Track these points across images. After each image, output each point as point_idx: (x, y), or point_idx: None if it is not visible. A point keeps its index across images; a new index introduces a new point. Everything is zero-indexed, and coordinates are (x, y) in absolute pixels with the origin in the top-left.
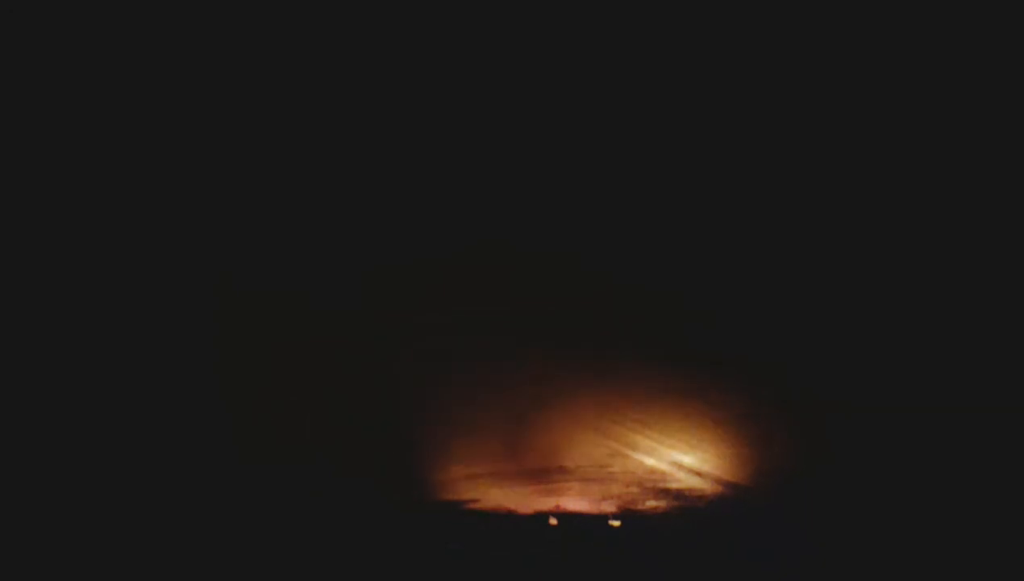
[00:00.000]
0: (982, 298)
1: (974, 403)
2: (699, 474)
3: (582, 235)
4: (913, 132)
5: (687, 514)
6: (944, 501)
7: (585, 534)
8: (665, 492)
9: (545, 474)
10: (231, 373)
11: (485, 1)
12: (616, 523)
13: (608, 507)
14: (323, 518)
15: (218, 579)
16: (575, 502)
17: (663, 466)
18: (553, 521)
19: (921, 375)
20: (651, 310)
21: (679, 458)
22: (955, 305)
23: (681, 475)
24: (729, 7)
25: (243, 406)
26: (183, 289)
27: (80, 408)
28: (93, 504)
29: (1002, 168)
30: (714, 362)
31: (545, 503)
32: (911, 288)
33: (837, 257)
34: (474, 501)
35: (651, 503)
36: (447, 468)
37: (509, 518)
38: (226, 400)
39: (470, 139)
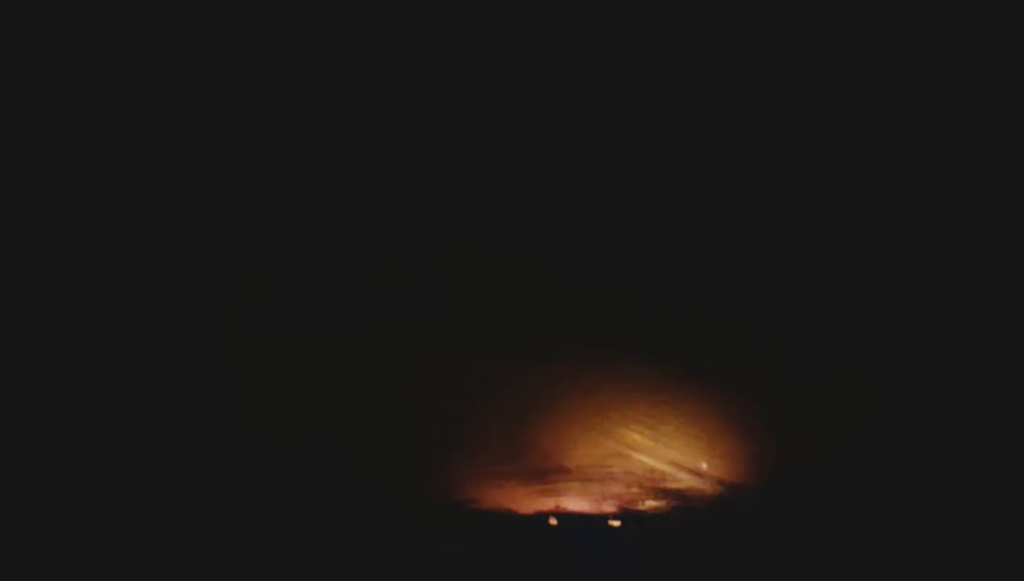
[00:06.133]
0: (978, 300)
1: (971, 404)
2: (699, 474)
3: (582, 236)
4: (909, 139)
5: (687, 514)
6: (942, 501)
7: (585, 534)
8: (665, 492)
9: (545, 474)
10: (234, 373)
11: (479, 5)
12: (616, 523)
13: (608, 507)
14: (325, 518)
15: (221, 578)
16: (575, 502)
17: (663, 466)
18: (553, 521)
19: (919, 376)
20: (651, 311)
21: (679, 458)
22: (953, 307)
23: (681, 475)
24: (726, 7)
25: (245, 406)
26: (185, 290)
27: (85, 407)
28: (97, 503)
29: (998, 170)
30: (714, 362)
31: (545, 503)
32: (910, 290)
33: (836, 259)
34: (474, 501)
35: (651, 503)
36: (447, 468)
37: (509, 518)
38: (229, 400)
39: (470, 142)
